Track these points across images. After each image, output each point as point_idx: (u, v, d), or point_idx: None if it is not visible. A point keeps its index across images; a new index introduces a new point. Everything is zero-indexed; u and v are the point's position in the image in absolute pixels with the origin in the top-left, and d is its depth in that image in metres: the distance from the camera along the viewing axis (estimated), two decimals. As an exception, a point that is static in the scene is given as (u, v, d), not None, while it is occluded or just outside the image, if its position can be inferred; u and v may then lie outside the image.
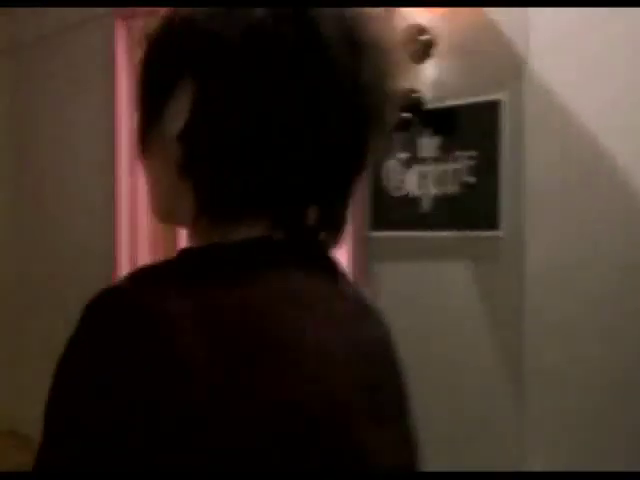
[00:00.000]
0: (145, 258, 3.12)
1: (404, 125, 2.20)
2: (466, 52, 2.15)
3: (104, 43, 3.06)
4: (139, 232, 3.12)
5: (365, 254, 2.40)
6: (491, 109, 2.09)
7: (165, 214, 0.81)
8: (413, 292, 2.31)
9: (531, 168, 2.02)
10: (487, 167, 2.11)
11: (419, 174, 2.26)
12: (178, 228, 3.05)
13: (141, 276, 0.71)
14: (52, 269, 3.22)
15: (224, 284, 0.71)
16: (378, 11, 0.80)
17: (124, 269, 3.06)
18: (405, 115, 2.18)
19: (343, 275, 0.84)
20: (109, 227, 3.05)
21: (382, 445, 0.78)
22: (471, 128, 2.15)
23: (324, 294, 0.78)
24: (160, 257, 3.11)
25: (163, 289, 0.68)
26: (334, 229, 0.81)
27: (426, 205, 2.25)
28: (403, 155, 2.29)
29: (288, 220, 0.77)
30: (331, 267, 0.82)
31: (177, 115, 0.76)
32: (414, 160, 2.26)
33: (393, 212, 2.33)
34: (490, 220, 2.10)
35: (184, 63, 0.76)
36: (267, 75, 0.73)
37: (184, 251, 0.75)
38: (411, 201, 2.28)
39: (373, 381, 0.80)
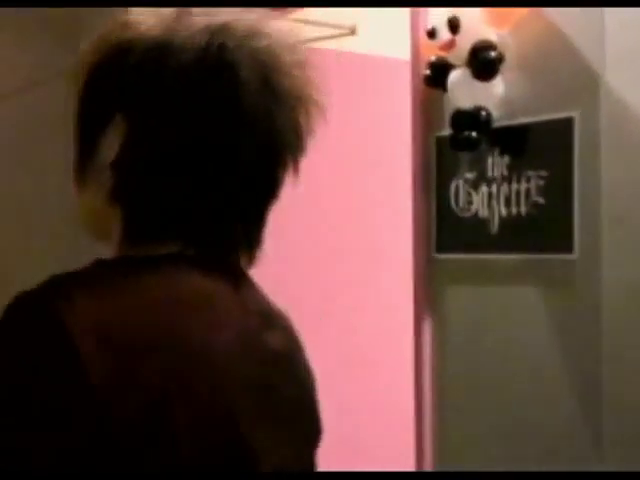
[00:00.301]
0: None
1: (472, 144, 2.12)
2: (536, 67, 2.07)
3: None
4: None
5: (430, 277, 2.32)
6: (564, 126, 2.00)
7: (95, 233, 0.93)
8: (480, 317, 2.22)
9: (607, 187, 1.93)
10: (559, 187, 2.02)
11: (487, 194, 2.18)
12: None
13: (54, 281, 0.78)
14: None
15: (124, 290, 0.79)
16: (297, 58, 0.90)
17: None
18: (472, 134, 2.11)
19: (250, 288, 0.92)
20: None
21: (268, 444, 0.84)
22: (542, 146, 2.06)
23: (219, 301, 0.86)
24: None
25: (70, 293, 0.76)
26: (249, 248, 0.91)
27: (494, 226, 2.16)
28: (470, 175, 2.21)
29: (201, 240, 0.87)
30: (236, 280, 0.89)
31: (111, 146, 0.86)
32: (482, 180, 2.19)
33: (460, 233, 2.26)
34: (563, 242, 2.01)
35: (117, 100, 0.86)
36: (189, 115, 0.84)
37: (97, 261, 0.84)
38: (479, 222, 2.20)
39: (265, 383, 0.87)
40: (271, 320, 0.93)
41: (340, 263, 3.20)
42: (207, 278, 0.86)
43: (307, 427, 0.95)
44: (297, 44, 0.92)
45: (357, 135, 3.19)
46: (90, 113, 0.89)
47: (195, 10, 0.88)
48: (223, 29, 0.86)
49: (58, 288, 0.78)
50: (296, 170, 0.92)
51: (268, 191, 0.91)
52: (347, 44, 3.11)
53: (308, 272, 3.13)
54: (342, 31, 3.07)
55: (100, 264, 0.84)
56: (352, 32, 3.08)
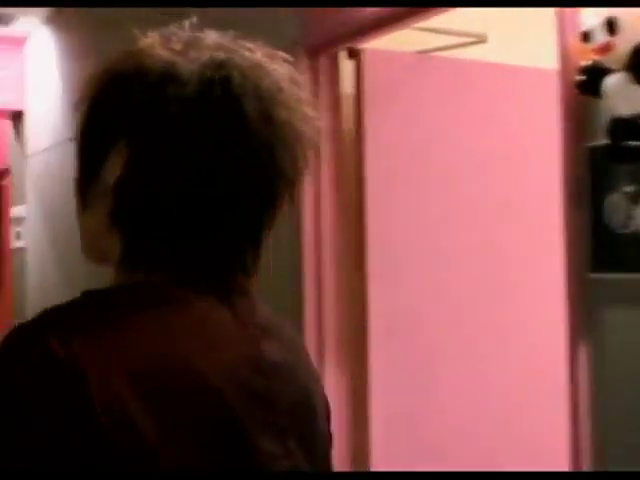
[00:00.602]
0: (331, 314, 2.98)
1: (632, 154, 1.95)
2: None
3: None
4: (325, 286, 2.98)
5: (585, 297, 2.15)
6: None
7: (95, 257, 0.96)
8: (640, 341, 2.04)
9: None
10: None
11: (650, 209, 2.00)
12: (366, 282, 2.92)
13: (46, 317, 0.82)
14: None
15: (114, 323, 0.82)
16: (297, 95, 0.93)
17: (311, 326, 2.94)
18: (633, 143, 1.94)
19: (249, 304, 0.94)
20: (296, 283, 2.94)
21: (271, 452, 0.88)
22: None
23: (215, 325, 0.89)
24: (344, 312, 2.97)
25: (62, 330, 0.79)
26: (247, 269, 0.94)
27: (658, 243, 1.99)
28: (629, 188, 2.04)
29: (199, 265, 0.90)
30: (234, 299, 0.92)
31: (113, 170, 0.89)
32: (644, 193, 2.01)
33: (618, 251, 2.08)
34: None
35: (122, 126, 0.89)
36: (192, 145, 0.87)
37: (85, 293, 0.86)
38: (639, 239, 2.02)
39: (266, 394, 0.90)
40: (269, 332, 0.95)
41: (488, 283, 3.07)
42: (202, 302, 0.89)
43: (313, 434, 0.97)
44: (298, 81, 0.94)
45: (501, 149, 3.05)
46: (95, 137, 0.92)
47: (207, 41, 0.92)
48: (229, 62, 0.89)
49: (51, 322, 0.81)
50: (292, 200, 0.95)
51: (265, 219, 0.95)
52: (477, 52, 2.98)
53: (460, 291, 3.03)
54: (472, 39, 2.94)
55: (90, 295, 0.86)
56: (482, 40, 2.94)
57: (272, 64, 0.93)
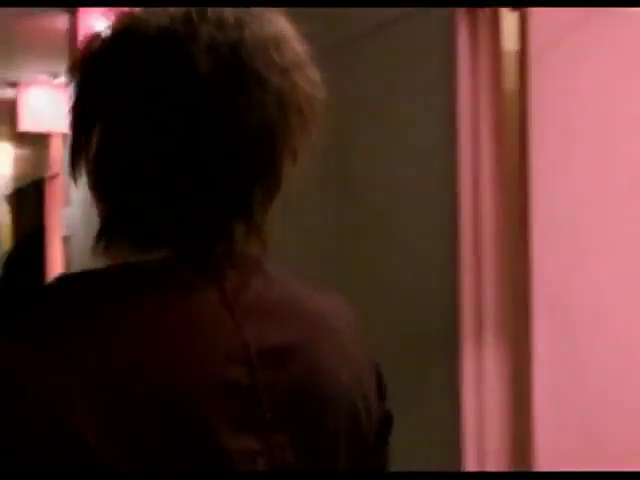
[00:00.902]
0: (489, 281, 2.72)
1: None
2: None
3: (441, 37, 2.73)
4: (483, 248, 2.73)
5: None
6: None
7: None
8: None
9: None
10: None
11: None
12: (529, 238, 2.63)
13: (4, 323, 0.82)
14: (385, 297, 2.93)
15: (68, 322, 0.80)
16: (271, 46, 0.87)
17: (467, 291, 2.70)
18: None
19: (239, 283, 0.87)
20: (450, 247, 2.71)
21: (244, 449, 0.82)
22: None
23: (186, 311, 0.84)
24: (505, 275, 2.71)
25: (17, 336, 0.79)
26: (237, 242, 0.89)
27: None
28: None
29: (185, 241, 0.87)
30: (220, 277, 0.86)
31: (94, 140, 0.88)
32: None
33: None
34: None
35: (99, 101, 0.88)
36: (149, 98, 0.84)
37: (59, 278, 0.86)
38: None
39: (246, 386, 0.83)
40: (262, 311, 0.88)
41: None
42: (180, 285, 0.84)
43: (319, 426, 0.89)
44: (285, 37, 0.89)
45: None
46: (81, 107, 0.90)
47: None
48: (202, 11, 0.85)
49: (7, 330, 0.80)
50: (293, 161, 0.90)
51: (255, 181, 0.88)
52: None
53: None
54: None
55: (62, 281, 0.85)
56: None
57: (256, 23, 0.88)
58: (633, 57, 2.72)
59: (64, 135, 6.71)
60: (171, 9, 0.86)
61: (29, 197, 8.83)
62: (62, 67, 5.76)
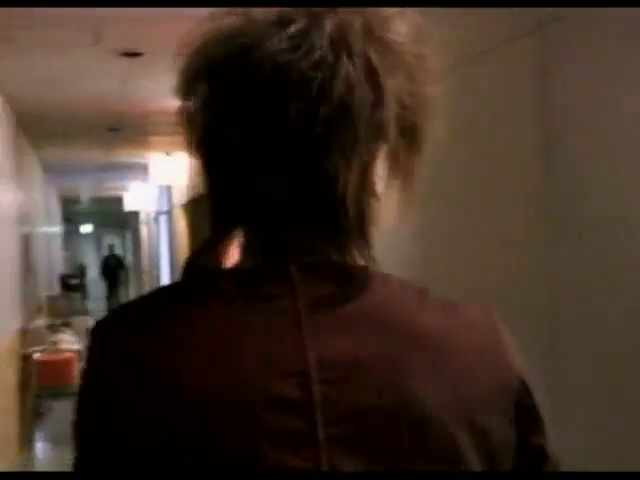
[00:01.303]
0: None
1: None
2: None
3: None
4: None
5: None
6: None
7: None
8: None
9: None
10: None
11: None
12: None
13: (118, 312, 0.91)
14: (592, 285, 2.60)
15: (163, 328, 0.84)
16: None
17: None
18: None
19: (326, 292, 0.84)
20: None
21: (287, 467, 0.79)
22: None
23: (242, 323, 0.83)
24: None
25: (123, 328, 0.87)
26: (334, 246, 0.86)
27: None
28: None
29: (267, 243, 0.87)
30: (299, 284, 0.84)
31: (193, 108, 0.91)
32: None
33: None
34: None
35: (195, 82, 0.89)
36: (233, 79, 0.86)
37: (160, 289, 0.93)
38: None
39: (300, 402, 0.80)
40: (346, 323, 0.84)
41: None
42: (262, 301, 0.84)
43: (397, 447, 0.81)
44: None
45: None
46: (185, 87, 0.91)
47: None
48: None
49: (116, 320, 0.88)
50: (417, 151, 0.88)
51: (348, 174, 0.84)
52: None
53: None
54: None
55: (159, 293, 0.90)
56: None
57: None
58: None
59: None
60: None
61: (204, 206, 9.02)
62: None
